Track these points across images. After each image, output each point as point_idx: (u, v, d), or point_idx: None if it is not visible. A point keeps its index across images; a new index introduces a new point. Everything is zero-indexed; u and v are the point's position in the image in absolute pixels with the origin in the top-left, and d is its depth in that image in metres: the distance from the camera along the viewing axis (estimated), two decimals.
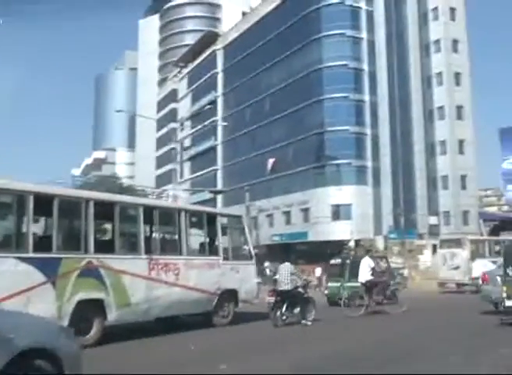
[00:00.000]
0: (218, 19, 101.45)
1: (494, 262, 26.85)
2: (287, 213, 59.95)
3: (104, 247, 11.00)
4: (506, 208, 79.49)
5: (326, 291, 20.70)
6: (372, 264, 16.01)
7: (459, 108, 54.84)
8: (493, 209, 78.79)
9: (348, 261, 20.40)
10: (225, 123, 66.02)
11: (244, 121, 67.87)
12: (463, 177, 53.85)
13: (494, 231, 47.96)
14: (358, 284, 16.65)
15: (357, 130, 56.31)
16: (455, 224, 52.35)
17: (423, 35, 57.32)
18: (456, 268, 26.56)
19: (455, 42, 55.85)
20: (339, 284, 19.34)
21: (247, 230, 14.57)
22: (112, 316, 10.57)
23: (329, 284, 20.61)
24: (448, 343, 10.05)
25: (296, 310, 13.12)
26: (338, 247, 51.81)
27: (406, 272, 40.60)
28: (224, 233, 13.66)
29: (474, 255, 26.65)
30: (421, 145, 54.53)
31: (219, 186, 72.91)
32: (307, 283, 14.32)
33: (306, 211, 57.55)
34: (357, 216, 54.39)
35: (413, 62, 55.59)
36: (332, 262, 22.43)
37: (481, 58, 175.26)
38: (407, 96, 55.37)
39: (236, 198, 57.57)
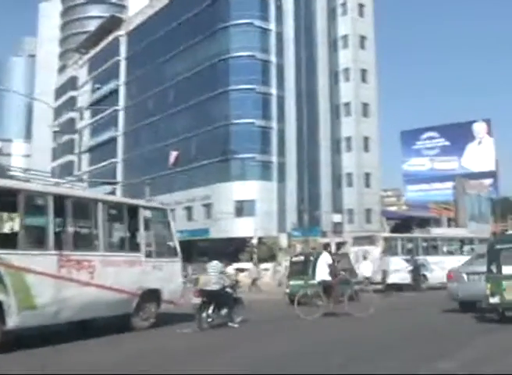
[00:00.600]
0: (124, 7, 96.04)
1: (408, 260, 25.69)
2: (189, 209, 56.49)
3: (5, 241, 9.65)
4: (404, 208, 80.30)
5: (287, 290, 19.71)
6: (330, 261, 14.18)
7: (365, 105, 53.68)
8: (393, 209, 79.25)
9: (312, 257, 19.13)
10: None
11: (147, 111, 63.81)
12: (367, 175, 52.70)
13: (396, 230, 47.25)
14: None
15: (263, 124, 53.95)
16: (358, 222, 51.08)
17: (331, 30, 55.83)
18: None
19: (362, 38, 54.71)
20: (301, 282, 18.22)
21: (172, 224, 13.33)
22: (13, 320, 9.23)
23: (291, 282, 19.59)
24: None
25: (224, 311, 12.22)
26: (241, 244, 49.58)
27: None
28: (147, 228, 12.46)
29: (387, 252, 26.09)
30: (327, 141, 52.88)
31: (119, 179, 68.17)
32: (236, 283, 13.75)
33: (208, 207, 54.46)
34: (261, 213, 51.99)
35: (321, 56, 53.85)
36: (295, 259, 21.40)
37: (387, 58, 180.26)
38: (315, 91, 53.54)
39: (136, 193, 53.29)
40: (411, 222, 50.14)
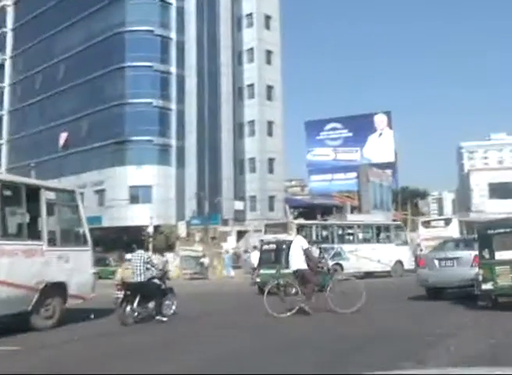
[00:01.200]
0: None
1: (325, 249, 22.99)
2: (80, 195, 50.99)
3: None
4: (308, 198, 79.08)
5: (258, 279, 18.64)
6: (306, 245, 12.00)
7: (269, 87, 50.55)
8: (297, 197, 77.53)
9: (285, 245, 17.88)
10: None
11: (35, 89, 57.61)
12: (270, 161, 49.68)
13: (300, 218, 44.85)
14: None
15: (162, 105, 49.84)
16: (261, 210, 48.04)
17: (235, 7, 52.22)
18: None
19: (267, 18, 51.47)
20: (273, 271, 17.28)
21: (81, 208, 11.75)
22: None
23: (261, 271, 18.56)
24: None
25: (151, 304, 11.18)
26: (136, 233, 45.48)
27: (206, 261, 35.04)
28: (50, 212, 10.97)
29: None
30: (229, 125, 49.32)
31: (3, 163, 61.22)
32: (165, 273, 12.68)
33: (101, 193, 49.52)
34: (158, 200, 48.01)
35: (224, 34, 50.11)
36: (266, 247, 20.10)
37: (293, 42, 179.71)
38: (217, 71, 49.79)
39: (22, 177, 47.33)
40: (315, 210, 48.10)
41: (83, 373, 6.43)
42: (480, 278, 10.97)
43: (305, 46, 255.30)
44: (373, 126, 75.74)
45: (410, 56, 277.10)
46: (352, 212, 52.59)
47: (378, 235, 26.85)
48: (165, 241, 45.20)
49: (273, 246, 19.50)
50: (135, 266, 11.37)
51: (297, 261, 11.69)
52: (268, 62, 50.64)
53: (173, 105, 50.45)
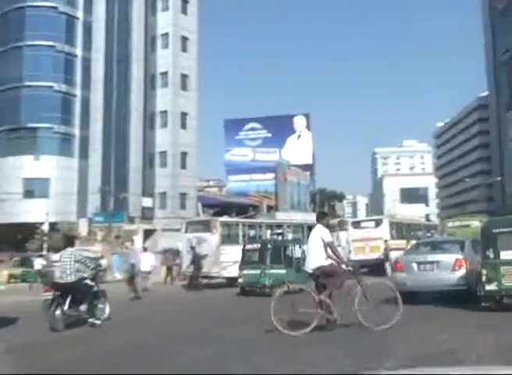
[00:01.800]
0: None
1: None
2: None
3: None
4: (223, 197, 76.17)
5: (240, 280, 17.88)
6: (329, 237, 8.76)
7: (184, 76, 46.35)
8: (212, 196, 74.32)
9: (269, 245, 17.92)
10: None
11: None
12: (183, 155, 45.51)
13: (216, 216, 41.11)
14: (282, 271, 16.58)
15: (64, 89, 44.88)
16: (172, 207, 43.81)
17: None
18: (204, 257, 20.91)
19: (184, 2, 47.23)
20: (258, 271, 16.90)
21: None
22: None
23: (245, 272, 17.69)
24: None
25: (83, 307, 10.25)
26: (30, 231, 40.38)
27: (104, 262, 30.48)
28: None
29: (226, 240, 21.98)
30: (139, 114, 44.73)
31: None
32: (97, 273, 11.18)
33: None
34: (56, 194, 42.79)
35: (136, 17, 45.44)
36: (249, 246, 18.97)
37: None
38: (128, 56, 45.13)
39: None
40: (230, 209, 44.60)
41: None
42: (483, 279, 10.38)
43: (224, 39, 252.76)
44: (292, 128, 75.22)
45: (332, 59, 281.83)
46: (268, 212, 49.60)
47: (309, 235, 23.70)
48: (63, 240, 40.09)
49: (257, 246, 18.49)
50: (64, 265, 10.39)
51: (317, 257, 8.54)
52: (184, 49, 46.49)
53: (78, 91, 45.64)
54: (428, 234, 29.55)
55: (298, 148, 72.81)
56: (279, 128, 72.96)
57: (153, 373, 6.18)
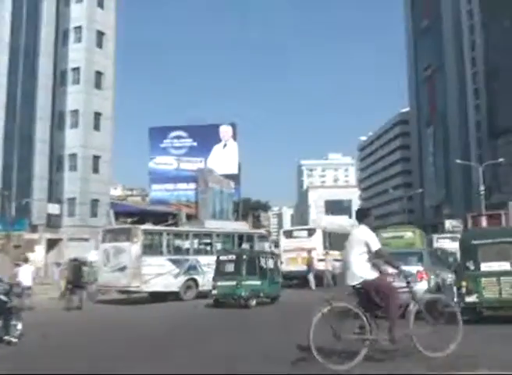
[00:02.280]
0: None
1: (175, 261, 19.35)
2: None
3: None
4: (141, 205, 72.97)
5: (215, 291, 16.70)
6: (376, 243, 6.67)
7: (98, 74, 42.57)
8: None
9: (245, 256, 17.21)
10: None
11: None
12: (96, 158, 41.57)
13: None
14: (257, 282, 16.57)
15: None
16: (81, 215, 39.75)
17: None
18: (123, 269, 18.72)
19: None
20: (233, 283, 16.17)
21: None
22: None
23: (219, 283, 16.66)
24: None
25: None
26: None
27: None
28: None
29: (148, 250, 19.26)
30: (46, 112, 40.42)
31: None
32: (11, 288, 10.34)
33: None
34: None
35: (47, 7, 41.26)
36: (223, 257, 17.59)
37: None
38: (36, 49, 40.78)
39: None
40: (147, 217, 41.18)
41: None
42: (463, 290, 10.27)
43: (144, 38, 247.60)
44: (218, 137, 73.45)
45: (257, 69, 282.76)
46: (188, 220, 46.48)
47: (240, 245, 22.45)
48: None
49: (232, 257, 17.51)
50: None
51: (361, 267, 6.69)
52: (99, 45, 42.72)
53: None
54: None
55: (224, 158, 70.92)
56: (205, 137, 70.91)
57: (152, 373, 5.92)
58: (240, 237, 23.01)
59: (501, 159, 53.18)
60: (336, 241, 25.78)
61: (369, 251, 6.65)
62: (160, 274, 18.41)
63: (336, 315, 6.58)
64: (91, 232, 35.00)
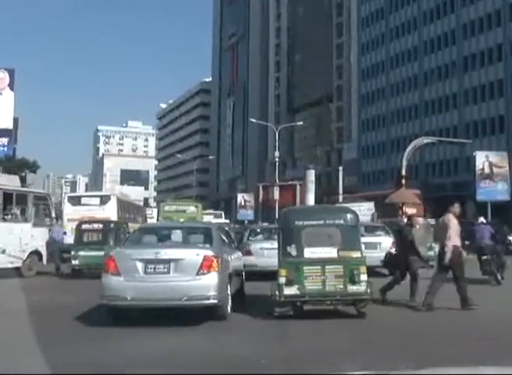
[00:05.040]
0: None
1: None
2: None
3: None
4: None
5: (76, 261, 14.84)
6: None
7: None
8: None
9: (112, 225, 15.86)
10: None
11: None
12: None
13: None
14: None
15: None
16: None
17: None
18: None
19: None
20: (101, 253, 13.22)
21: None
22: None
23: (82, 253, 14.79)
24: None
25: None
26: None
27: None
28: None
29: None
30: None
31: None
32: None
33: None
34: None
35: None
36: (85, 226, 15.76)
37: None
38: None
39: None
40: None
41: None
42: (283, 281, 8.02)
43: None
44: None
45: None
46: None
47: (4, 208, 15.20)
48: None
49: (98, 226, 15.67)
50: None
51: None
52: None
53: None
54: None
55: None
56: None
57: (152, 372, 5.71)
58: (8, 195, 15.37)
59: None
60: (131, 211, 24.02)
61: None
62: None
63: None
64: None
